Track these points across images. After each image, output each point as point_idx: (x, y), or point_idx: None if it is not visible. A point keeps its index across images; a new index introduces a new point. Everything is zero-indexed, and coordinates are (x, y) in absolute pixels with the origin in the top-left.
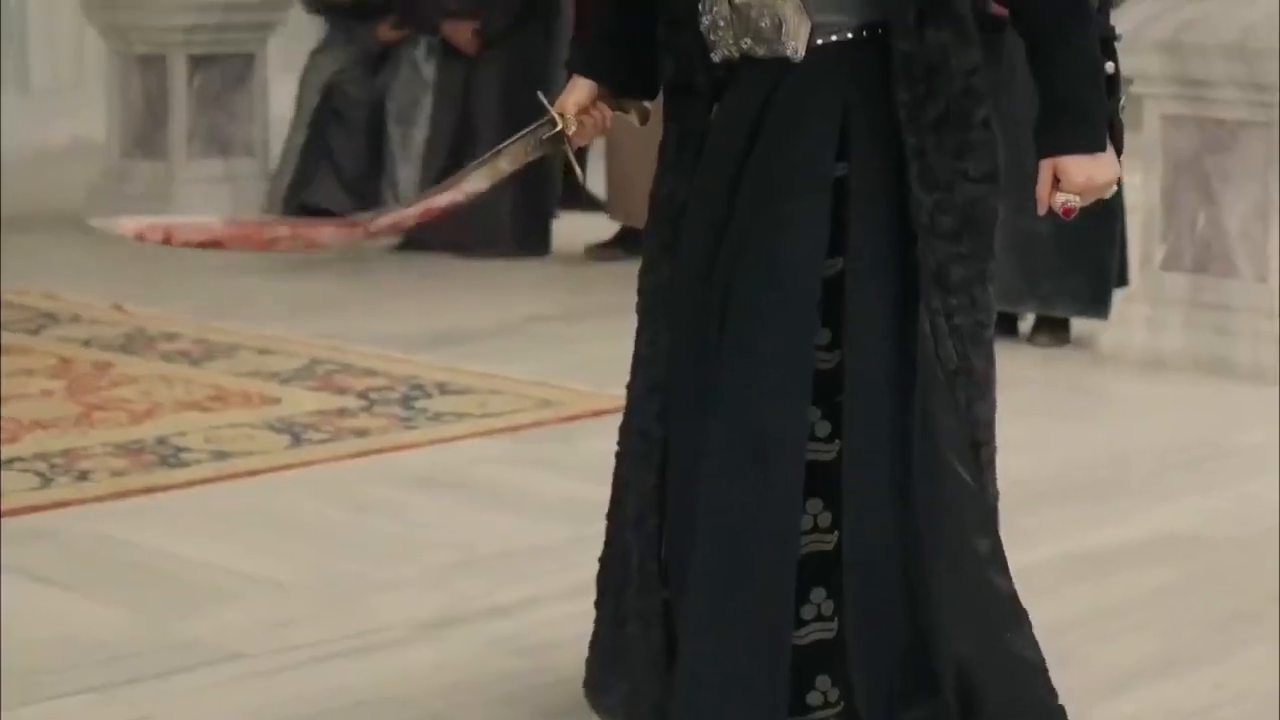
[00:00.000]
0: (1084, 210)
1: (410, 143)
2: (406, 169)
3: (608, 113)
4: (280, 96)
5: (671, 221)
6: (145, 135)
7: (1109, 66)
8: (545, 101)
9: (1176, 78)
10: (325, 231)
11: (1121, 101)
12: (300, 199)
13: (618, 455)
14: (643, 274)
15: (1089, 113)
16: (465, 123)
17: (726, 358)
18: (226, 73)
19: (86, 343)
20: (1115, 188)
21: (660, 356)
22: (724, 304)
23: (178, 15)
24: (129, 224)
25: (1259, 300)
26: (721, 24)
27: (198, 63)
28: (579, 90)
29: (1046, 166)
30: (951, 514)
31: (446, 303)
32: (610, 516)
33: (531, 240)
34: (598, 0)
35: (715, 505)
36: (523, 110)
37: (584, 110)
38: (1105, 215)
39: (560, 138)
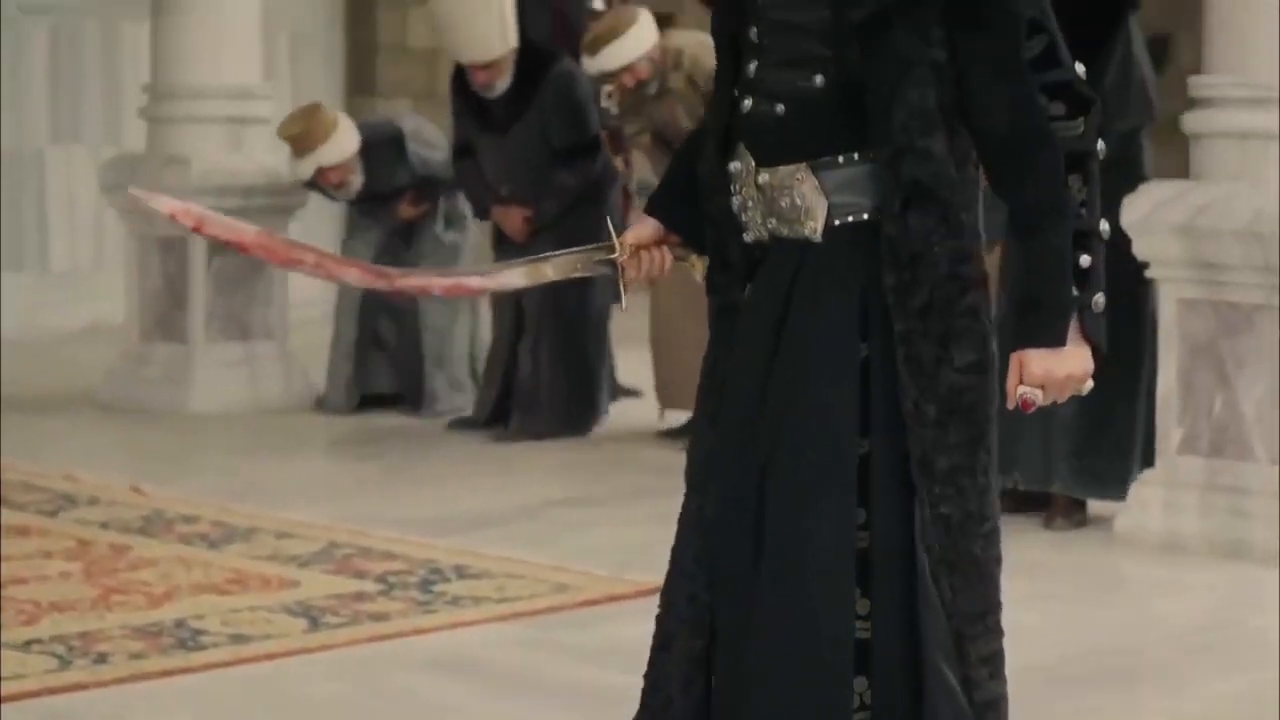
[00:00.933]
0: (1107, 393)
1: (452, 324)
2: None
3: (668, 257)
4: (299, 280)
5: (715, 392)
6: (164, 318)
7: (1084, 260)
8: (610, 226)
9: (1191, 261)
10: (351, 272)
11: (1097, 296)
12: (362, 390)
13: (659, 618)
14: (691, 444)
15: (1053, 308)
16: (516, 307)
17: (772, 538)
18: (246, 257)
19: (105, 525)
20: (1090, 382)
21: (707, 527)
22: (763, 481)
23: (198, 197)
24: (165, 201)
25: (1275, 484)
26: (750, 204)
27: (217, 246)
28: (645, 228)
29: (1014, 359)
30: (930, 714)
31: (466, 486)
32: (648, 677)
33: (574, 419)
34: (677, 150)
35: (765, 684)
36: (567, 293)
37: (645, 247)
38: (1128, 396)
39: (614, 264)
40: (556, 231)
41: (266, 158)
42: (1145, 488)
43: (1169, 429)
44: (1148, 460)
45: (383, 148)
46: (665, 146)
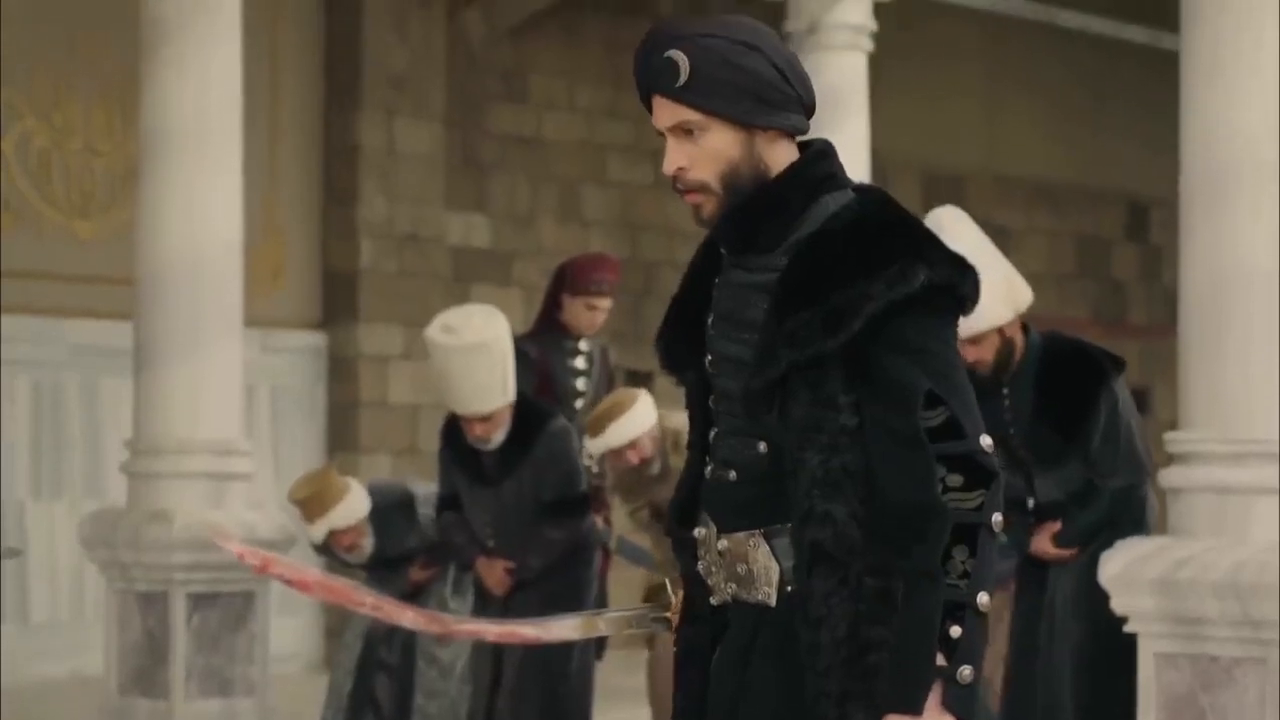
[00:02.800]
0: None
1: (444, 681)
2: (435, 704)
3: None
4: (280, 636)
5: None
6: (145, 673)
7: (954, 631)
8: (669, 588)
9: (1170, 615)
10: (408, 615)
11: (963, 669)
12: None
13: None
14: None
15: (913, 676)
16: (496, 664)
17: None
18: (226, 612)
19: None
20: None
21: None
22: None
23: (178, 553)
24: (235, 544)
25: None
26: (714, 569)
27: (197, 601)
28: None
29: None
30: None
31: None
32: None
33: None
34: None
35: None
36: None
37: None
38: None
39: (668, 621)
40: (538, 586)
41: (247, 513)
42: None
43: None
44: None
45: (393, 511)
46: (663, 521)
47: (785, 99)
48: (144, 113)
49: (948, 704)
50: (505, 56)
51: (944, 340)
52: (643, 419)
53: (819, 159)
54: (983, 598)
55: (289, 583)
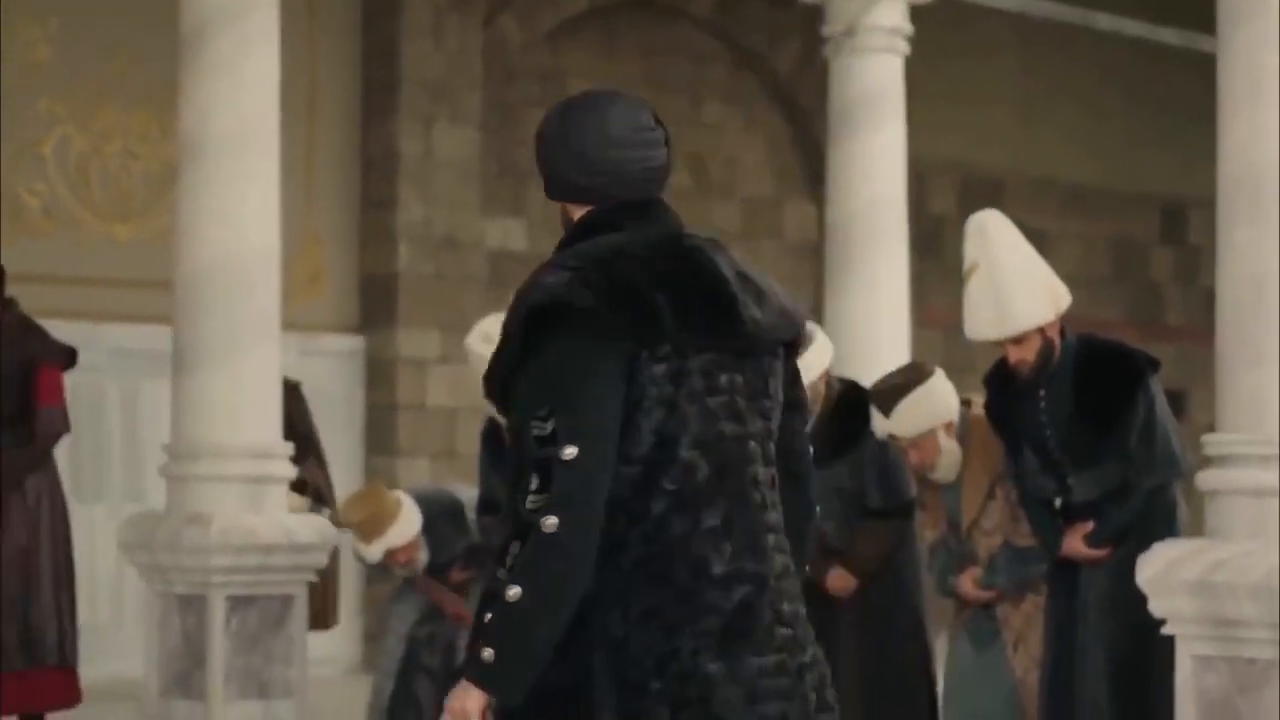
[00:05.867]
0: None
1: None
2: None
3: None
4: (317, 640)
5: None
6: (184, 676)
7: (486, 616)
8: None
9: (1207, 618)
10: None
11: (485, 650)
12: None
13: None
14: None
15: (468, 655)
16: None
17: None
18: (265, 614)
19: None
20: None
21: None
22: None
23: (217, 556)
24: None
25: None
26: None
27: (235, 604)
28: None
29: None
30: None
31: None
32: None
33: None
34: None
35: None
36: None
37: None
38: None
39: None
40: None
41: (286, 517)
42: None
43: None
44: None
45: (443, 519)
46: None
47: None
48: (182, 118)
49: (470, 678)
50: (542, 61)
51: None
52: None
53: None
54: (512, 590)
55: None
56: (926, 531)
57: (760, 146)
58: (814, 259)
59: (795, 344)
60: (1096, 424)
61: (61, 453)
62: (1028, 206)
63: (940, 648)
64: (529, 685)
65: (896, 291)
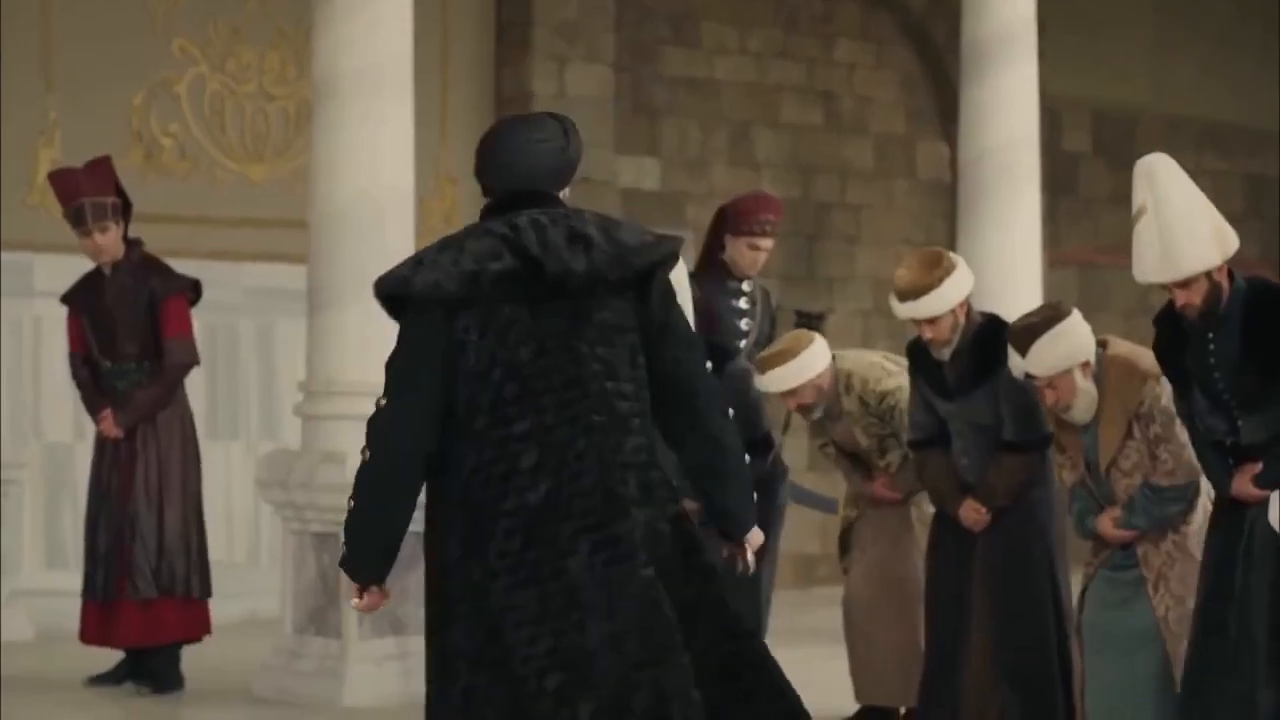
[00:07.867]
0: None
1: None
2: None
3: None
4: None
5: None
6: (319, 613)
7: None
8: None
9: None
10: None
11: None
12: None
13: None
14: None
15: None
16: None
17: None
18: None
19: None
20: None
21: None
22: None
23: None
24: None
25: None
26: None
27: None
28: None
29: None
30: None
31: None
32: None
33: None
34: None
35: None
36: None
37: None
38: None
39: None
40: None
41: None
42: None
43: None
44: None
45: None
46: (850, 458)
47: None
48: (316, 58)
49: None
50: (675, 1)
51: None
52: (809, 365)
53: None
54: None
55: None
56: (1065, 474)
57: (892, 84)
58: (947, 197)
59: (646, 275)
60: (1264, 368)
61: (197, 391)
62: (1161, 144)
63: (1077, 586)
64: (378, 570)
65: (1029, 230)
